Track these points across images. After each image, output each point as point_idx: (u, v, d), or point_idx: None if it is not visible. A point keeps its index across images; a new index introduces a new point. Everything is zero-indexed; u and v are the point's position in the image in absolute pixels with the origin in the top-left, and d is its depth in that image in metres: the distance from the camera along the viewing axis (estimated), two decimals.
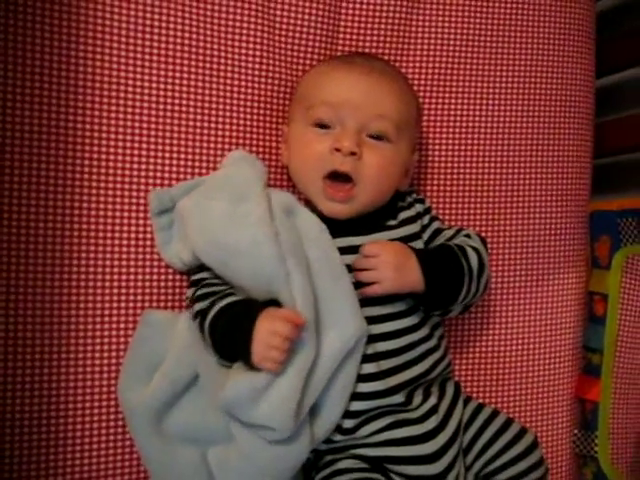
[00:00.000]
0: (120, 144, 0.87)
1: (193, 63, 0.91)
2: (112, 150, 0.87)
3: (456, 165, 1.05)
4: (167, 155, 0.90)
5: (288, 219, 0.83)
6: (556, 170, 1.10)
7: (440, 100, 1.04)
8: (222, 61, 0.93)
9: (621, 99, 1.26)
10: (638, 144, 1.15)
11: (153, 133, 0.89)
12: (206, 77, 0.92)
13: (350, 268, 0.84)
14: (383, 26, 1.01)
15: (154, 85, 0.89)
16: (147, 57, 0.88)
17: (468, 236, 0.91)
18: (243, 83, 0.94)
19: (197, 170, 0.91)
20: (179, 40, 0.90)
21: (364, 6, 1.01)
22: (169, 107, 0.90)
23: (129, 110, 0.88)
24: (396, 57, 1.03)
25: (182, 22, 0.90)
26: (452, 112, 1.05)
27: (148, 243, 0.88)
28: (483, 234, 0.97)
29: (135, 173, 0.88)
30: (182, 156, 0.91)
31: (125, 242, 0.87)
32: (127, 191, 0.87)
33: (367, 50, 1.01)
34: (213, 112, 0.92)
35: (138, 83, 0.88)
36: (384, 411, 0.84)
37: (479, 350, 1.06)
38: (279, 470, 0.79)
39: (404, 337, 0.85)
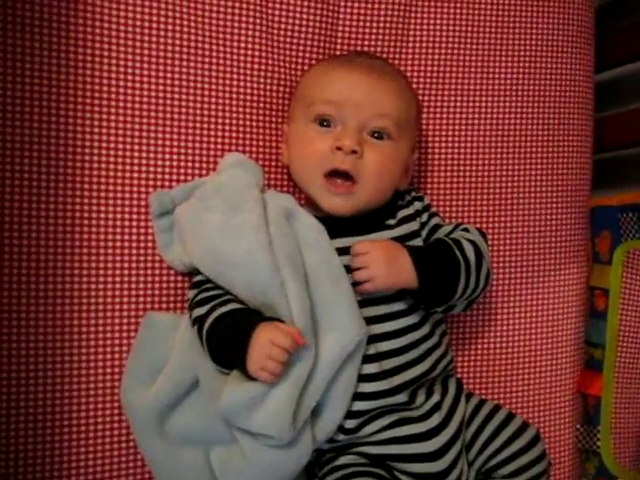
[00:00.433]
0: (120, 145, 0.87)
1: (192, 64, 0.91)
2: (112, 152, 0.87)
3: (456, 162, 1.05)
4: (167, 156, 0.90)
5: (287, 223, 0.83)
6: (556, 166, 1.10)
7: (439, 97, 1.04)
8: (221, 61, 0.93)
9: (621, 94, 1.26)
10: (638, 139, 1.15)
11: (153, 134, 0.89)
12: (205, 77, 0.92)
13: (349, 269, 0.83)
14: (382, 24, 1.01)
15: (153, 86, 0.89)
16: (145, 58, 0.88)
17: (466, 230, 0.90)
18: (242, 83, 0.94)
19: (197, 171, 0.91)
20: (177, 41, 0.90)
21: (362, 4, 1.00)
22: (168, 108, 0.90)
23: (129, 112, 0.87)
24: (395, 55, 1.02)
25: (180, 22, 0.90)
26: (451, 109, 1.05)
27: (150, 245, 0.88)
28: (484, 230, 0.97)
29: (135, 174, 0.88)
30: (182, 157, 0.90)
31: (127, 244, 0.87)
32: (128, 192, 0.87)
33: (366, 48, 1.01)
34: (212, 112, 0.92)
35: (137, 84, 0.88)
36: (387, 410, 0.84)
37: (481, 346, 1.06)
38: (281, 472, 0.79)
39: (406, 336, 0.85)
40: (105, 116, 0.86)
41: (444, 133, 1.04)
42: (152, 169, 0.89)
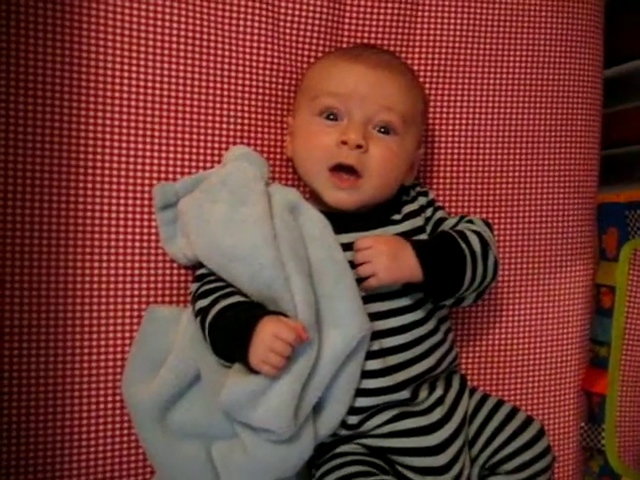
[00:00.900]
0: (124, 138, 0.87)
1: (197, 56, 0.90)
2: (116, 145, 0.86)
3: (462, 157, 1.04)
4: (172, 149, 0.89)
5: (292, 217, 0.82)
6: (564, 161, 1.09)
7: (446, 91, 1.03)
8: (226, 54, 0.92)
9: (629, 89, 1.25)
10: None
11: (157, 127, 0.88)
12: (210, 70, 0.91)
13: (354, 264, 0.83)
14: (388, 17, 1.01)
15: (157, 79, 0.88)
16: (151, 51, 0.88)
17: (470, 222, 0.90)
18: (247, 75, 0.94)
19: (202, 164, 0.91)
20: (183, 34, 0.89)
21: None
22: (174, 101, 0.89)
23: (132, 104, 0.87)
24: (401, 48, 1.02)
25: (186, 16, 0.90)
26: (458, 103, 1.04)
27: (153, 238, 0.88)
28: None
29: (140, 167, 0.87)
30: (187, 149, 0.90)
31: (130, 237, 0.87)
32: (132, 185, 0.87)
33: (372, 41, 1.00)
34: (218, 105, 0.92)
35: (142, 76, 0.87)
36: (389, 405, 0.84)
37: (486, 343, 1.05)
38: (282, 467, 0.79)
39: (410, 332, 0.84)
40: (109, 108, 0.86)
41: (451, 127, 1.04)
42: (156, 162, 0.88)
